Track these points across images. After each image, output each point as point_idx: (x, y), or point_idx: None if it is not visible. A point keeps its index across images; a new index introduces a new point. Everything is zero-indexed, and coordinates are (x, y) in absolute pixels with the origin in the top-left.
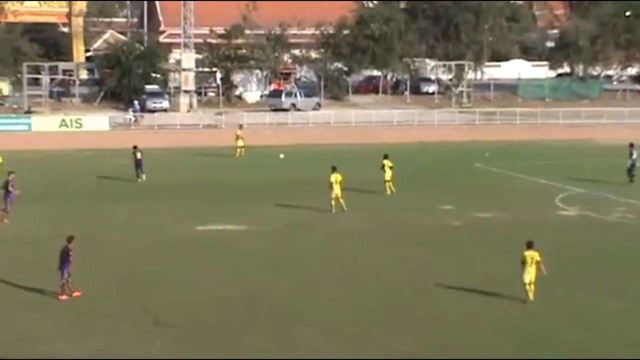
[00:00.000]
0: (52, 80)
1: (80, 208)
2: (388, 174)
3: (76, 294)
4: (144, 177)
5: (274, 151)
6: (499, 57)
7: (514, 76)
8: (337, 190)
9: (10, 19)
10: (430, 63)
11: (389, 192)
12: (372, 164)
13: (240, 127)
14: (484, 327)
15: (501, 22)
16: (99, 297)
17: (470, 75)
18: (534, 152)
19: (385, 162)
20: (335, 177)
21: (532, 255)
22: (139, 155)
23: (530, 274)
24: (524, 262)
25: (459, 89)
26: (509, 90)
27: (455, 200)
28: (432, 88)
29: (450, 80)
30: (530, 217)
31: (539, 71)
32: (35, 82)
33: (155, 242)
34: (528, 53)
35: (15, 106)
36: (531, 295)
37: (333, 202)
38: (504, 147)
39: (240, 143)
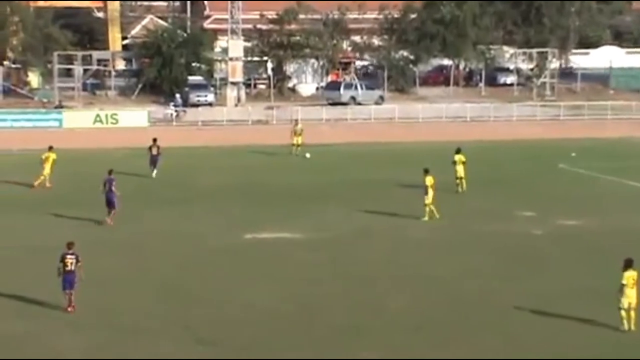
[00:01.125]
0: (85, 71)
1: (116, 213)
2: (460, 170)
3: (70, 309)
4: (154, 173)
5: (331, 150)
6: (588, 43)
7: (604, 65)
8: (432, 194)
9: (41, 3)
10: (509, 51)
11: (460, 190)
12: (441, 164)
13: (296, 123)
14: (568, 353)
15: (590, 4)
16: (136, 310)
17: (554, 64)
18: (628, 152)
19: (458, 156)
20: (429, 180)
21: (632, 276)
22: (154, 151)
23: (629, 298)
24: (623, 285)
25: (541, 79)
26: (599, 81)
27: (536, 206)
28: (510, 79)
29: (531, 70)
30: (623, 226)
31: (634, 59)
32: (67, 73)
33: (198, 251)
34: (621, 39)
35: (44, 100)
36: (630, 324)
37: (427, 209)
38: (592, 146)
39: (297, 140)
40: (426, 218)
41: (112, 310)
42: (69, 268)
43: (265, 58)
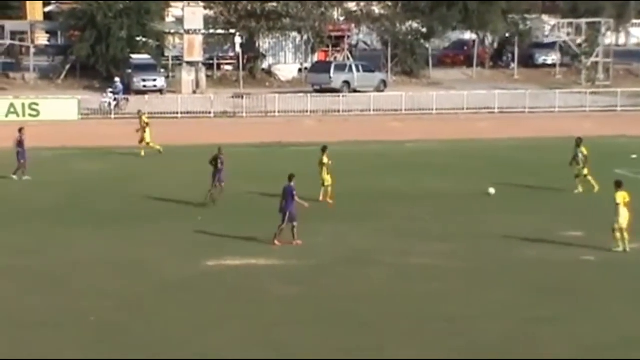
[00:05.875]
0: None
1: (36, 235)
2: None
3: None
4: (14, 177)
5: (318, 151)
6: None
7: None
8: (625, 216)
9: None
10: (550, 22)
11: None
12: (463, 168)
13: (139, 113)
14: None
15: None
16: None
17: (609, 38)
18: None
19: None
20: (623, 197)
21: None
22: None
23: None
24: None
25: (592, 59)
26: None
27: (585, 224)
28: (551, 58)
29: (580, 46)
30: None
31: None
32: None
33: (147, 284)
34: None
35: None
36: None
37: (618, 235)
38: None
39: (146, 137)
40: (620, 248)
41: None
42: None
43: (232, 31)
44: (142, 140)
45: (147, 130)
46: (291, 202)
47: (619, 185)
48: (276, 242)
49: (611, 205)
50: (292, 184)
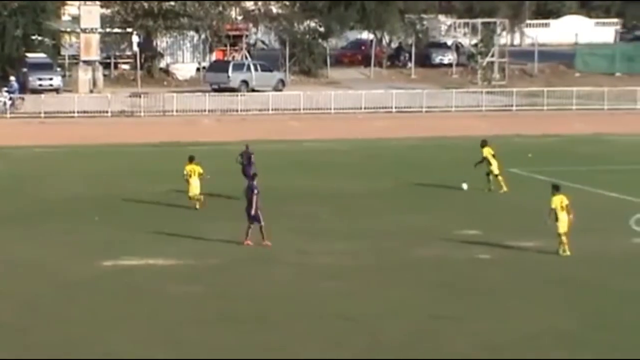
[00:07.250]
0: None
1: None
2: (495, 165)
3: None
4: None
5: (217, 150)
6: (547, 12)
7: (568, 40)
8: (564, 220)
9: None
10: (446, 22)
11: (505, 188)
12: (361, 169)
13: None
14: None
15: None
16: None
17: (504, 39)
18: (599, 152)
19: (486, 150)
20: (560, 200)
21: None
22: None
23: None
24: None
25: (488, 59)
26: (562, 60)
27: (482, 223)
28: (448, 58)
29: (475, 46)
30: (593, 248)
31: (606, 32)
32: None
33: (45, 285)
34: (589, 7)
35: None
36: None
37: (564, 239)
38: (554, 145)
39: None
40: (563, 252)
41: None
42: None
43: (129, 30)
44: None
45: None
46: (250, 204)
47: (556, 189)
48: (247, 242)
49: (508, 203)
50: (255, 182)
